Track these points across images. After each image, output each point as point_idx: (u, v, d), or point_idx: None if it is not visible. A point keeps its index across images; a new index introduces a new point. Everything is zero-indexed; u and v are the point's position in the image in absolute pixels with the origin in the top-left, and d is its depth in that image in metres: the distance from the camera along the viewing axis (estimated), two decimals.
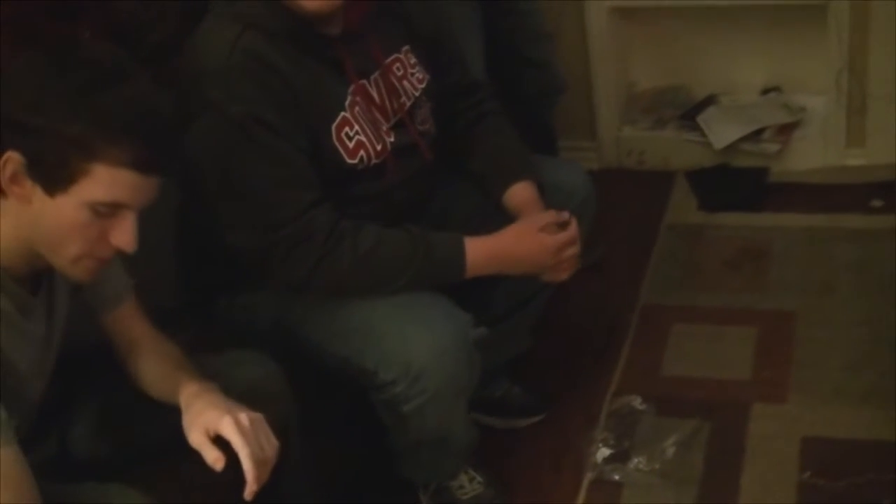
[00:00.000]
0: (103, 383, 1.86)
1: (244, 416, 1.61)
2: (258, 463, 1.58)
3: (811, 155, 3.54)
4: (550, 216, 2.13)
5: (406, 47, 2.19)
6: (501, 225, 2.18)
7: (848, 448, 2.41)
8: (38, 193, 1.51)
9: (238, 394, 1.73)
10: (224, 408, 1.62)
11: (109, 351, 1.85)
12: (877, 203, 3.30)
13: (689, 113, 3.68)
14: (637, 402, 2.61)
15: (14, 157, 1.49)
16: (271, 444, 1.63)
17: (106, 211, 1.53)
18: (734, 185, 3.53)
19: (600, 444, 2.51)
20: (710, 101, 3.72)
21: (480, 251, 2.05)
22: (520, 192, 2.22)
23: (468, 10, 2.73)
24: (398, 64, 2.17)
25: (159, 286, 2.22)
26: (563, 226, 2.12)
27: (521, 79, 3.00)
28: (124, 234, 1.57)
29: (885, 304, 2.85)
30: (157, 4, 2.51)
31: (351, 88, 2.05)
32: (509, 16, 2.91)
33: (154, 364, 1.81)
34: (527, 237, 2.10)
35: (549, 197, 2.27)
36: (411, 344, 1.96)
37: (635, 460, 2.45)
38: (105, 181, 1.50)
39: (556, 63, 3.11)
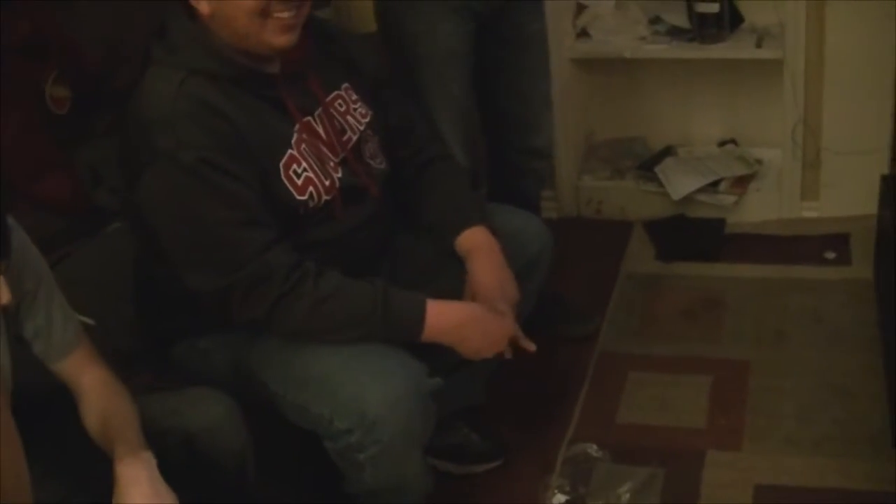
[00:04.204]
0: (61, 424, 1.86)
1: None
2: None
3: (767, 207, 3.60)
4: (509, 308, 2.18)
5: (346, 84, 2.22)
6: (459, 272, 2.22)
7: (800, 496, 2.44)
8: None
9: (195, 431, 1.74)
10: None
11: (66, 393, 1.85)
12: (830, 255, 3.36)
13: (647, 163, 3.72)
14: (593, 450, 2.62)
15: None
16: None
17: None
18: (691, 235, 3.57)
19: (556, 491, 2.52)
20: (667, 152, 3.76)
21: (442, 317, 2.08)
22: (471, 237, 2.25)
23: (457, 41, 2.67)
24: (340, 100, 2.19)
25: (118, 331, 2.22)
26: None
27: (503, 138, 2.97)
28: None
29: (837, 354, 2.90)
30: (120, 50, 2.54)
31: (296, 127, 2.07)
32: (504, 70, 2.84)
33: (94, 422, 1.81)
34: (494, 314, 2.14)
35: (505, 245, 2.29)
36: (366, 394, 1.96)
37: None
38: None
39: (539, 128, 2.98)
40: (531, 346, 2.20)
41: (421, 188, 2.34)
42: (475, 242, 2.25)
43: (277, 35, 1.97)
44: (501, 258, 2.24)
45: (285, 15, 1.96)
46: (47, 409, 1.85)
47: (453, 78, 2.70)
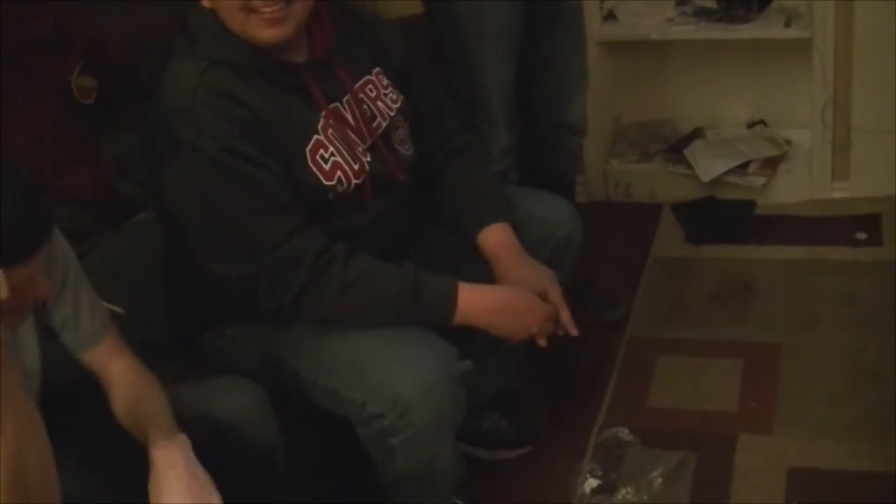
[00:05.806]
0: (88, 416, 1.87)
1: None
2: None
3: (796, 188, 3.57)
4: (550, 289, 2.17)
5: (377, 69, 2.21)
6: (487, 262, 2.21)
7: (833, 479, 2.43)
8: None
9: (224, 420, 1.75)
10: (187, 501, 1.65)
11: (92, 387, 1.85)
12: (861, 236, 3.33)
13: (676, 146, 3.71)
14: (624, 434, 2.62)
15: None
16: None
17: None
18: (720, 217, 3.55)
19: (587, 476, 2.51)
20: (696, 134, 3.74)
21: (473, 301, 2.07)
22: (492, 236, 2.24)
23: (509, 19, 2.68)
24: (370, 85, 2.18)
25: (146, 321, 2.23)
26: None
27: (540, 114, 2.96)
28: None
29: (869, 336, 2.87)
30: (143, 43, 2.54)
31: (322, 113, 2.07)
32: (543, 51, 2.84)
33: (125, 410, 1.81)
34: (527, 297, 2.13)
35: (534, 229, 2.29)
36: (397, 378, 1.96)
37: (622, 491, 2.46)
38: None
39: (570, 104, 2.98)
40: (574, 329, 2.20)
41: (445, 179, 2.33)
42: (496, 243, 2.23)
43: (263, 29, 1.96)
44: (524, 255, 2.22)
45: (268, 10, 1.94)
46: (74, 403, 1.86)
47: (504, 56, 2.70)
